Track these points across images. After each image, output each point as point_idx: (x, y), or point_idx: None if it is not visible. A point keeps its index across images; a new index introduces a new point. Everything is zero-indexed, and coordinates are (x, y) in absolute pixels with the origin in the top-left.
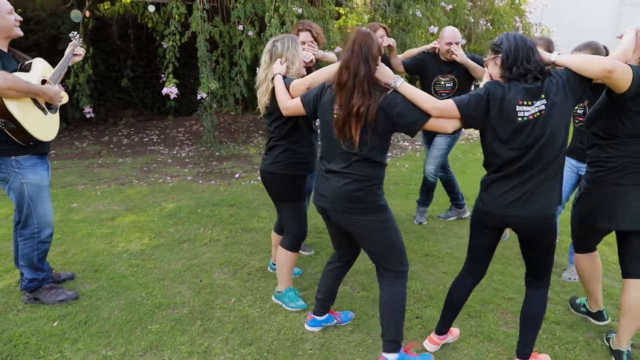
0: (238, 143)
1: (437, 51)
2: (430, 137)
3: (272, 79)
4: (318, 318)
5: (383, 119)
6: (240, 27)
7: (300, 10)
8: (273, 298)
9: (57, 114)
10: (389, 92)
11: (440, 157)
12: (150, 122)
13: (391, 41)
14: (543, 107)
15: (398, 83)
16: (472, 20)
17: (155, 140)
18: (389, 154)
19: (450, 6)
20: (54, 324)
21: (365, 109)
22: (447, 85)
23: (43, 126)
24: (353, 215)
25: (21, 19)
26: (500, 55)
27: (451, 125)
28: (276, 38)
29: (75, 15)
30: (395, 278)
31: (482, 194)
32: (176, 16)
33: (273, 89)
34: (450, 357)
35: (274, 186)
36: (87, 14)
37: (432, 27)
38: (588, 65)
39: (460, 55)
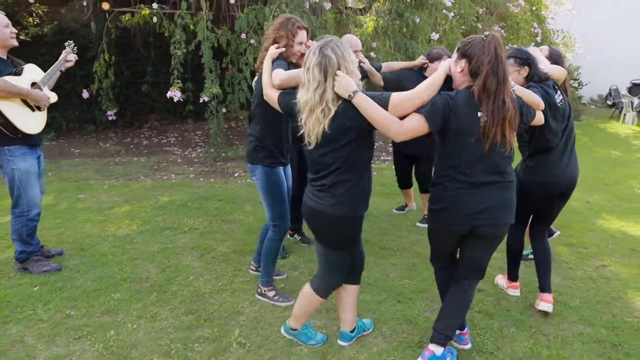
0: (246, 146)
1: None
2: None
3: (348, 98)
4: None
5: (518, 119)
6: (243, 36)
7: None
8: (283, 332)
9: (45, 112)
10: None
11: None
12: (172, 126)
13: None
14: (561, 96)
15: (516, 87)
16: (481, 27)
17: (172, 142)
18: (390, 158)
19: (453, 13)
20: (35, 289)
21: (513, 112)
22: None
23: (29, 121)
24: (507, 223)
25: (16, 31)
26: (526, 67)
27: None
28: (321, 44)
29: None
30: (475, 284)
31: (545, 170)
32: (191, 25)
33: (341, 110)
34: (364, 337)
35: (339, 232)
36: (109, 25)
37: (433, 33)
38: (560, 73)
39: (366, 62)
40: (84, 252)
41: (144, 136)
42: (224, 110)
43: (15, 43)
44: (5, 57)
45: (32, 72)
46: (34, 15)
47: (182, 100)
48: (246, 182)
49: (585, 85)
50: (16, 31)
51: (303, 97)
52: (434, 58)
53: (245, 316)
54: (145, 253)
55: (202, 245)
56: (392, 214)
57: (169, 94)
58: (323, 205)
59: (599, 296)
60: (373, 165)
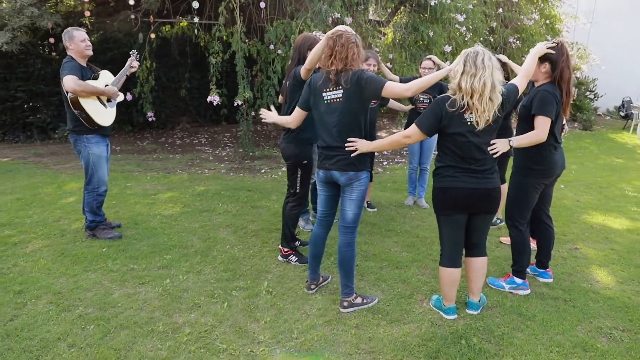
0: (271, 146)
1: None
2: None
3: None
4: None
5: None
6: (271, 47)
7: (319, 34)
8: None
9: (115, 108)
10: None
11: None
12: (202, 128)
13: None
14: None
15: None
16: (493, 40)
17: (203, 142)
18: (403, 160)
19: (464, 28)
20: (103, 249)
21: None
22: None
23: (103, 116)
24: None
25: (91, 45)
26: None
27: None
28: (481, 50)
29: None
30: None
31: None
32: (225, 37)
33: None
34: (366, 291)
35: (498, 202)
36: (152, 36)
37: (447, 46)
38: None
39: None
40: (137, 226)
41: (177, 136)
42: (252, 113)
43: (90, 53)
44: (85, 65)
45: (105, 77)
46: (82, 25)
47: (219, 104)
48: (272, 177)
49: (601, 96)
50: (90, 44)
51: (472, 83)
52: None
53: (272, 274)
54: (188, 228)
55: (235, 224)
56: (399, 205)
57: (209, 99)
58: (494, 182)
59: (565, 269)
60: (387, 165)
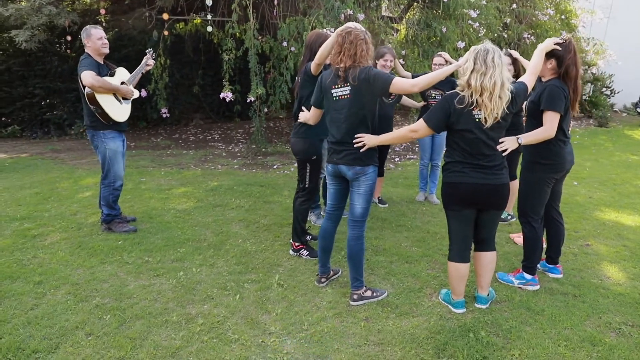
0: (283, 142)
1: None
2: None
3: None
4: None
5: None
6: (284, 44)
7: (333, 30)
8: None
9: (130, 104)
10: None
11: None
12: (215, 124)
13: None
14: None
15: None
16: (506, 35)
17: (216, 138)
18: (415, 157)
19: (478, 24)
20: (119, 242)
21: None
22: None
23: (118, 112)
24: None
25: (107, 43)
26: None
27: None
28: (491, 47)
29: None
30: None
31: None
32: (237, 33)
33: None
34: (374, 282)
35: (506, 198)
36: (166, 33)
37: (460, 42)
38: None
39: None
40: (152, 220)
41: (191, 133)
42: (265, 110)
43: (107, 51)
44: (102, 62)
45: (121, 74)
46: (98, 23)
47: (232, 100)
48: (284, 173)
49: (618, 92)
50: (107, 42)
51: (482, 81)
52: (378, 56)
53: (283, 267)
54: (202, 222)
55: (248, 218)
56: (410, 200)
57: (222, 95)
58: (503, 178)
59: (575, 265)
60: (399, 162)
